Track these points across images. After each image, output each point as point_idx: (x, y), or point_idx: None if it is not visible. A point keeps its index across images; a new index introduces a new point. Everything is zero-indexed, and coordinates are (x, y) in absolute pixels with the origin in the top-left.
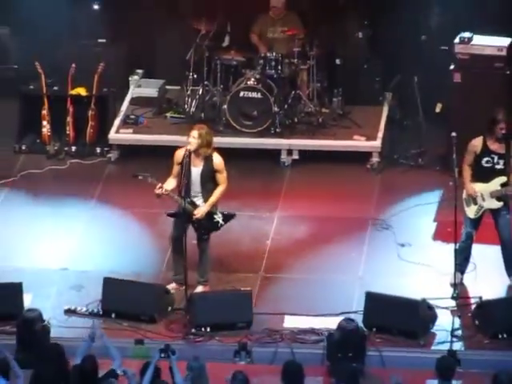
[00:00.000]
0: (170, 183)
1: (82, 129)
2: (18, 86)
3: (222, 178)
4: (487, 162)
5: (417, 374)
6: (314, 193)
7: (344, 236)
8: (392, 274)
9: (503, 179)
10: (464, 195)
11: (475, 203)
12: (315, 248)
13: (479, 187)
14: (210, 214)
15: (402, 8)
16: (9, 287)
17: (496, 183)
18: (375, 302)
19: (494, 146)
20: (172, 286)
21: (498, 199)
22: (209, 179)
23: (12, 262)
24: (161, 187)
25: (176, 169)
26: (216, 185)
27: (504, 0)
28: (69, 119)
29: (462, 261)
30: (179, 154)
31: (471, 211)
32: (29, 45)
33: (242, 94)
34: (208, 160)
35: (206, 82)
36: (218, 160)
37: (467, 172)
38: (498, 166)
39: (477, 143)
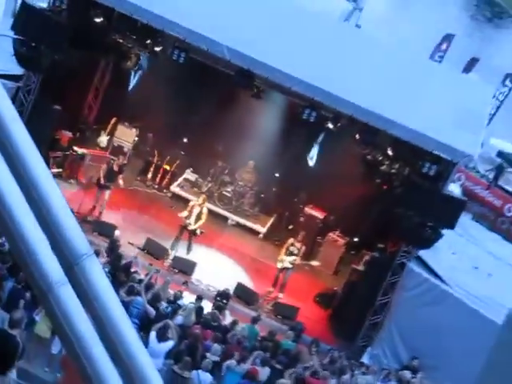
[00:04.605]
0: (183, 213)
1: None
2: None
3: (204, 216)
4: None
5: None
6: (239, 237)
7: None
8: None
9: None
10: None
11: None
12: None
13: None
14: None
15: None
16: (110, 225)
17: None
18: None
19: None
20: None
21: None
22: (199, 216)
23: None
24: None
25: (188, 208)
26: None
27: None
28: (159, 176)
29: None
30: (190, 204)
31: None
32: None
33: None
34: (201, 207)
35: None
36: (205, 209)
37: None
38: None
39: None
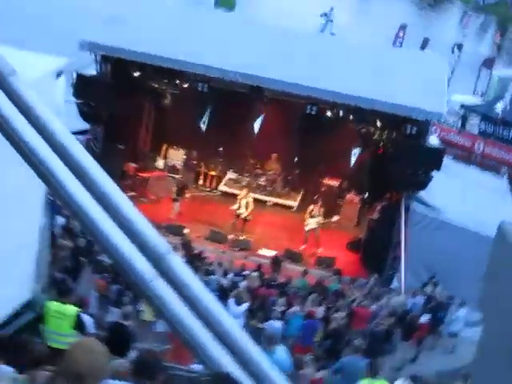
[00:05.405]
0: (235, 206)
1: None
2: None
3: (251, 204)
4: None
5: None
6: (278, 213)
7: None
8: None
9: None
10: None
11: None
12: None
13: None
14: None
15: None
16: (180, 226)
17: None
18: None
19: None
20: None
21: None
22: (247, 205)
23: None
24: None
25: (238, 201)
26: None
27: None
28: (208, 180)
29: None
30: (238, 198)
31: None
32: None
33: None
34: (247, 198)
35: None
36: (250, 199)
37: None
38: None
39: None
